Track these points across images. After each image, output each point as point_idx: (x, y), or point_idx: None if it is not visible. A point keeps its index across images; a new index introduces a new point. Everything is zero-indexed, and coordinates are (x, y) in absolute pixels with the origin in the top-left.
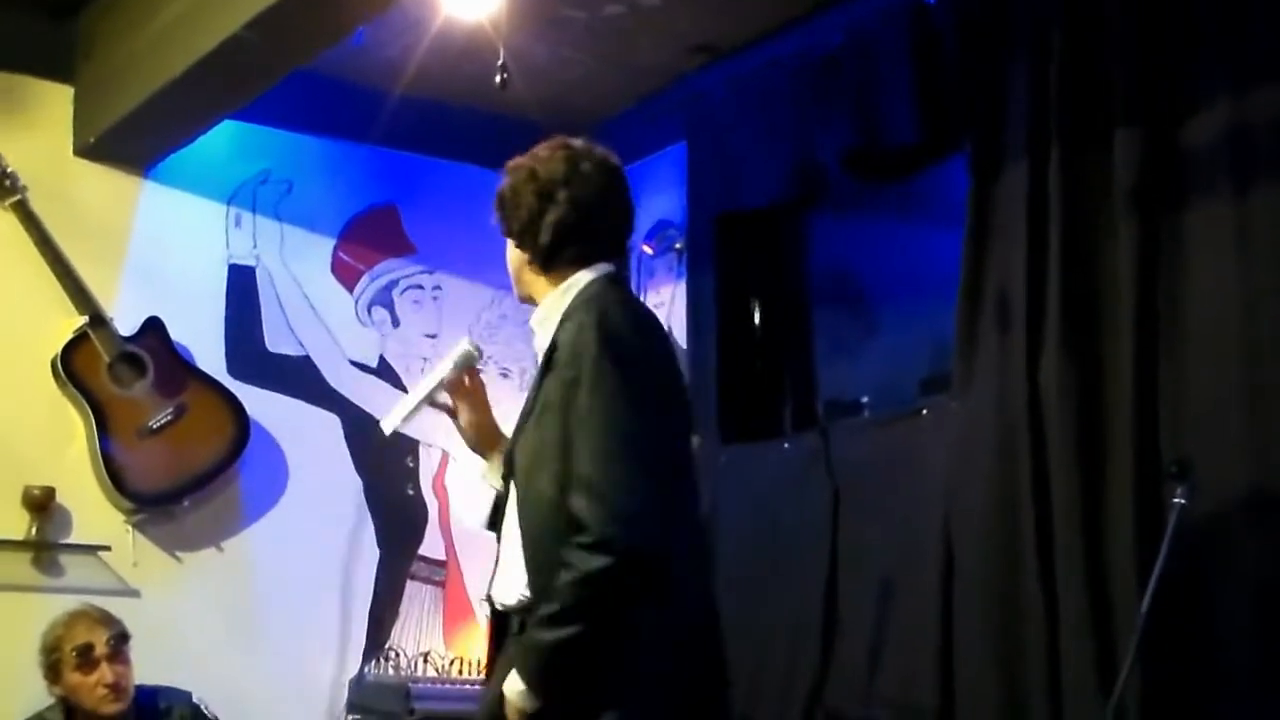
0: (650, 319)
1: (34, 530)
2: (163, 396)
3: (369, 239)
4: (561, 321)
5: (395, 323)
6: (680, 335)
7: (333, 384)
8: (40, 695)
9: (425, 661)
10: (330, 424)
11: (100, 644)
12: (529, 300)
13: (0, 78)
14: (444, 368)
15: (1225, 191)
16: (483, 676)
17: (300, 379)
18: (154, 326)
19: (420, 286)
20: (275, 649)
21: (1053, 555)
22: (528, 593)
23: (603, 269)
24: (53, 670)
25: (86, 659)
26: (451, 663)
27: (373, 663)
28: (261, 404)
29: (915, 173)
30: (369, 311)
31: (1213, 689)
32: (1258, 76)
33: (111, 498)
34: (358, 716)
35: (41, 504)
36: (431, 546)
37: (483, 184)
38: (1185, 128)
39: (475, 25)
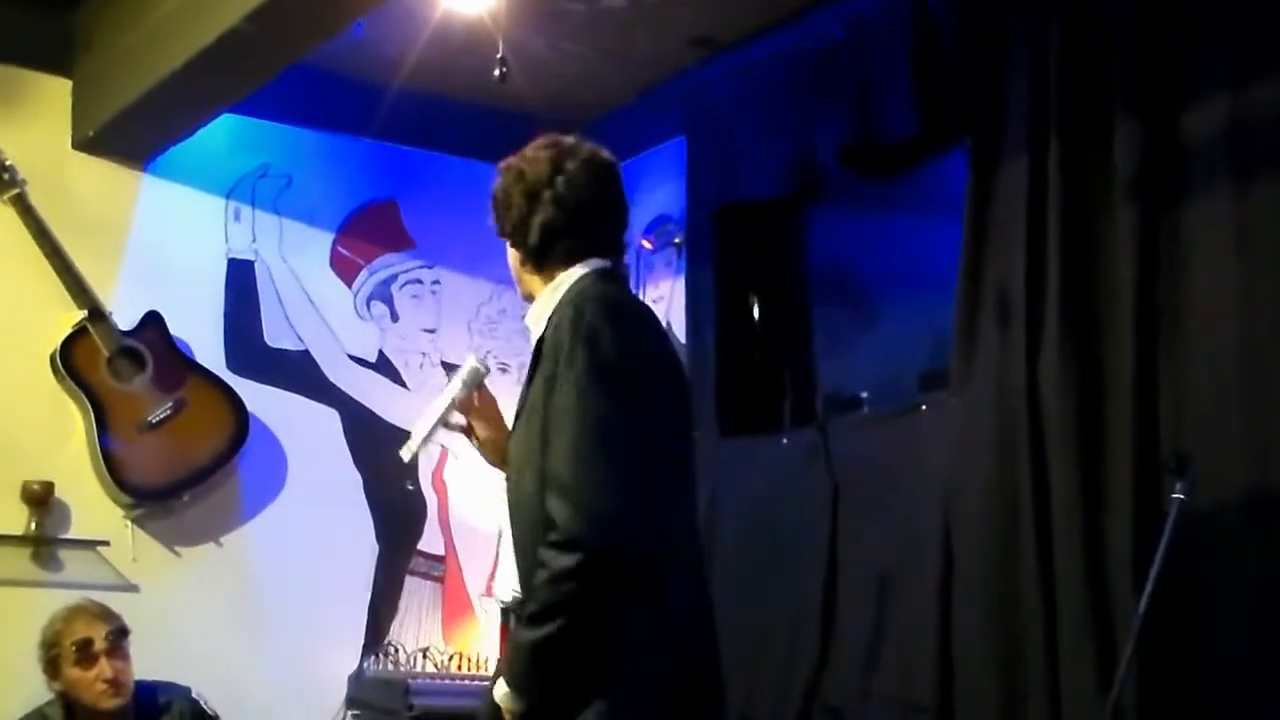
0: (637, 314)
1: (33, 525)
2: (162, 391)
3: (368, 233)
4: (550, 318)
5: (394, 317)
6: (679, 330)
7: (332, 379)
8: (40, 690)
9: (424, 657)
10: (329, 419)
11: (100, 639)
12: (530, 298)
13: None
14: (453, 388)
15: (1225, 187)
16: (483, 672)
17: (299, 374)
18: (153, 321)
19: (419, 281)
20: (274, 644)
21: (1052, 551)
22: (519, 591)
23: (595, 265)
24: (52, 665)
25: (86, 654)
26: (450, 658)
27: (372, 658)
28: (260, 399)
29: (913, 168)
30: (368, 306)
31: (1212, 685)
32: (1258, 72)
33: (111, 493)
34: (357, 712)
35: (41, 499)
36: (430, 542)
37: (482, 178)
38: (1186, 122)
39: (474, 18)
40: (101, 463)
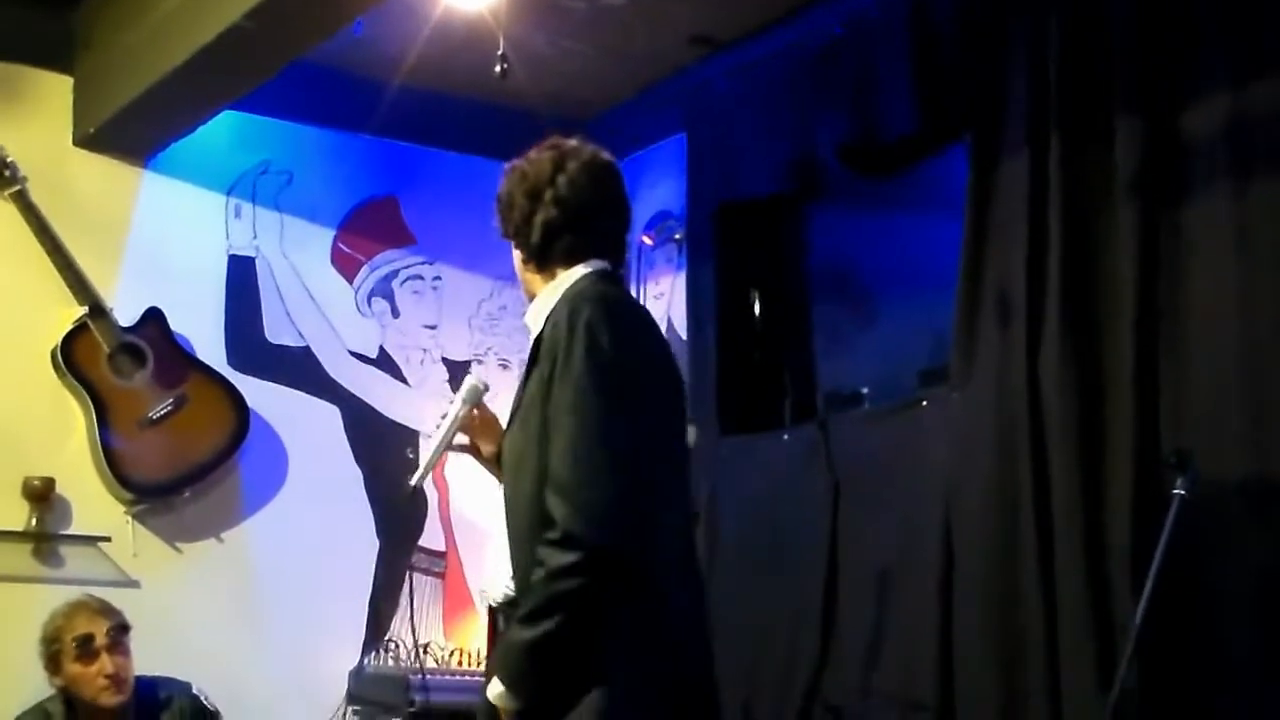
0: (635, 314)
1: (34, 521)
2: (163, 387)
3: (369, 230)
4: (549, 318)
5: (395, 313)
6: (679, 326)
7: (333, 375)
8: (41, 686)
9: (425, 653)
10: (330, 415)
11: (100, 635)
12: (532, 298)
13: (0, 68)
14: (455, 409)
15: (1225, 186)
16: (482, 668)
17: (300, 370)
18: (154, 317)
19: (420, 277)
20: (275, 640)
21: (1052, 548)
22: (512, 590)
23: (594, 265)
24: (53, 661)
25: (87, 650)
26: (451, 654)
27: (372, 654)
28: (261, 395)
29: (913, 166)
30: (369, 302)
31: (1212, 682)
32: (1258, 71)
33: (111, 488)
34: (357, 708)
35: (42, 495)
36: (431, 538)
37: (483, 174)
38: (1186, 121)
39: (475, 15)
40: (102, 459)
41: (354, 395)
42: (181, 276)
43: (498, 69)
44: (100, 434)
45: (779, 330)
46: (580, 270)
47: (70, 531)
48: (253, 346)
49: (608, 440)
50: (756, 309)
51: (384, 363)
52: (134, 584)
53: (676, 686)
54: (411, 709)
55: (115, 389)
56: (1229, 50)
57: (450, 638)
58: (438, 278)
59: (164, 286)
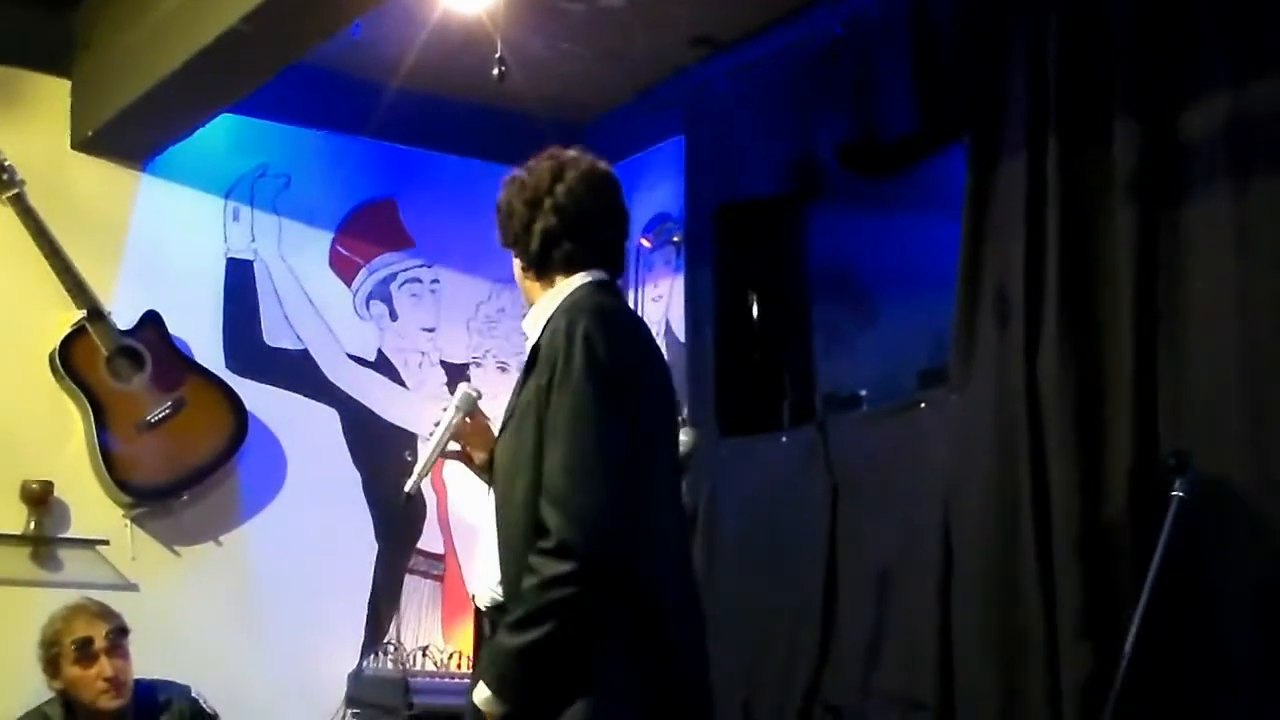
0: (630, 325)
1: (32, 525)
2: (161, 390)
3: (367, 232)
4: (546, 326)
5: (393, 316)
6: (678, 328)
7: (331, 378)
8: (39, 689)
9: (424, 655)
10: (329, 418)
11: (100, 638)
12: (532, 305)
13: None
14: (448, 417)
15: (1225, 186)
16: None
17: (298, 373)
18: (152, 320)
19: (418, 280)
20: (274, 643)
21: (1051, 548)
22: (500, 594)
23: (593, 275)
24: (52, 664)
25: (86, 653)
26: (450, 656)
27: (371, 657)
28: (260, 398)
29: (913, 166)
30: (367, 305)
31: (1212, 682)
32: (1258, 71)
33: (110, 492)
34: (356, 710)
35: (40, 498)
36: (430, 540)
37: (481, 177)
38: (1185, 121)
39: (473, 18)
40: (101, 462)
41: (352, 398)
42: (180, 280)
43: (495, 72)
44: (98, 437)
45: (778, 331)
46: (579, 279)
47: (68, 535)
48: (251, 350)
49: (604, 451)
50: (755, 310)
51: (382, 366)
52: (132, 587)
53: (666, 696)
54: (411, 711)
55: (113, 392)
56: (1228, 50)
57: (449, 640)
58: (436, 281)
59: (162, 290)
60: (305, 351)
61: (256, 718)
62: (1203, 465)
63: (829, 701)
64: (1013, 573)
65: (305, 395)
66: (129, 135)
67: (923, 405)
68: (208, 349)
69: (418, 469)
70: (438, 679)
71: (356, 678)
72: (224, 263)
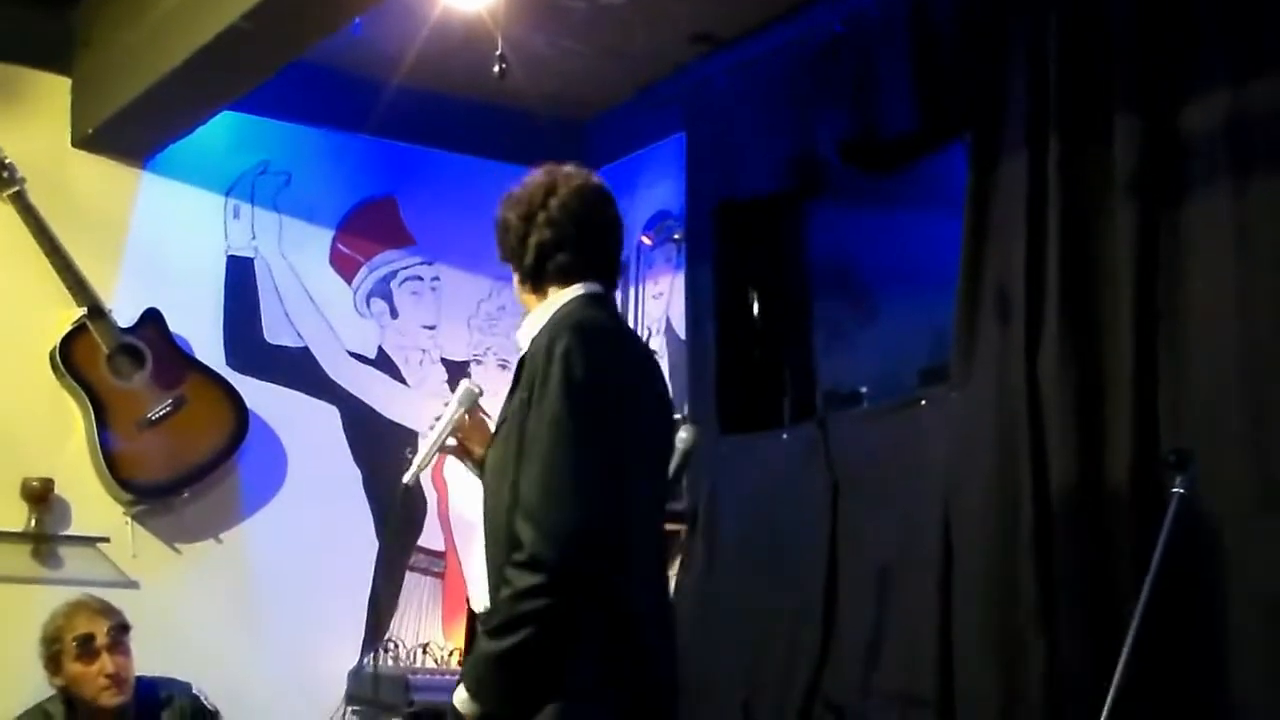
0: (614, 339)
1: (33, 522)
2: (161, 388)
3: (367, 230)
4: (536, 339)
5: (394, 314)
6: (679, 326)
7: (331, 375)
8: (40, 687)
9: (424, 652)
10: (329, 415)
11: (101, 634)
12: None
13: None
14: (449, 412)
15: (1225, 184)
16: None
17: (299, 370)
18: (152, 318)
19: (419, 278)
20: (275, 640)
21: (1052, 546)
22: (489, 600)
23: (587, 287)
24: (53, 661)
25: (87, 649)
26: (450, 654)
27: (372, 654)
28: (260, 395)
29: (913, 162)
30: (367, 303)
31: (1212, 680)
32: (1258, 70)
33: (110, 489)
34: (357, 707)
35: (40, 496)
36: (431, 538)
37: (481, 175)
38: (1185, 120)
39: (473, 15)
40: (101, 460)
41: (353, 395)
42: (180, 277)
43: (496, 69)
44: (99, 435)
45: (778, 329)
46: (572, 291)
47: (69, 532)
48: (251, 347)
49: (577, 468)
50: (756, 307)
51: (383, 363)
52: (133, 585)
53: (640, 699)
54: (411, 709)
55: (114, 390)
56: (1229, 50)
57: (449, 637)
58: (436, 278)
59: (163, 287)
60: (306, 349)
61: (257, 715)
62: (1203, 464)
63: (829, 700)
64: (1013, 571)
65: (306, 393)
66: (129, 133)
67: (923, 403)
68: (208, 346)
69: (417, 460)
70: (438, 676)
71: (357, 675)
72: (224, 260)
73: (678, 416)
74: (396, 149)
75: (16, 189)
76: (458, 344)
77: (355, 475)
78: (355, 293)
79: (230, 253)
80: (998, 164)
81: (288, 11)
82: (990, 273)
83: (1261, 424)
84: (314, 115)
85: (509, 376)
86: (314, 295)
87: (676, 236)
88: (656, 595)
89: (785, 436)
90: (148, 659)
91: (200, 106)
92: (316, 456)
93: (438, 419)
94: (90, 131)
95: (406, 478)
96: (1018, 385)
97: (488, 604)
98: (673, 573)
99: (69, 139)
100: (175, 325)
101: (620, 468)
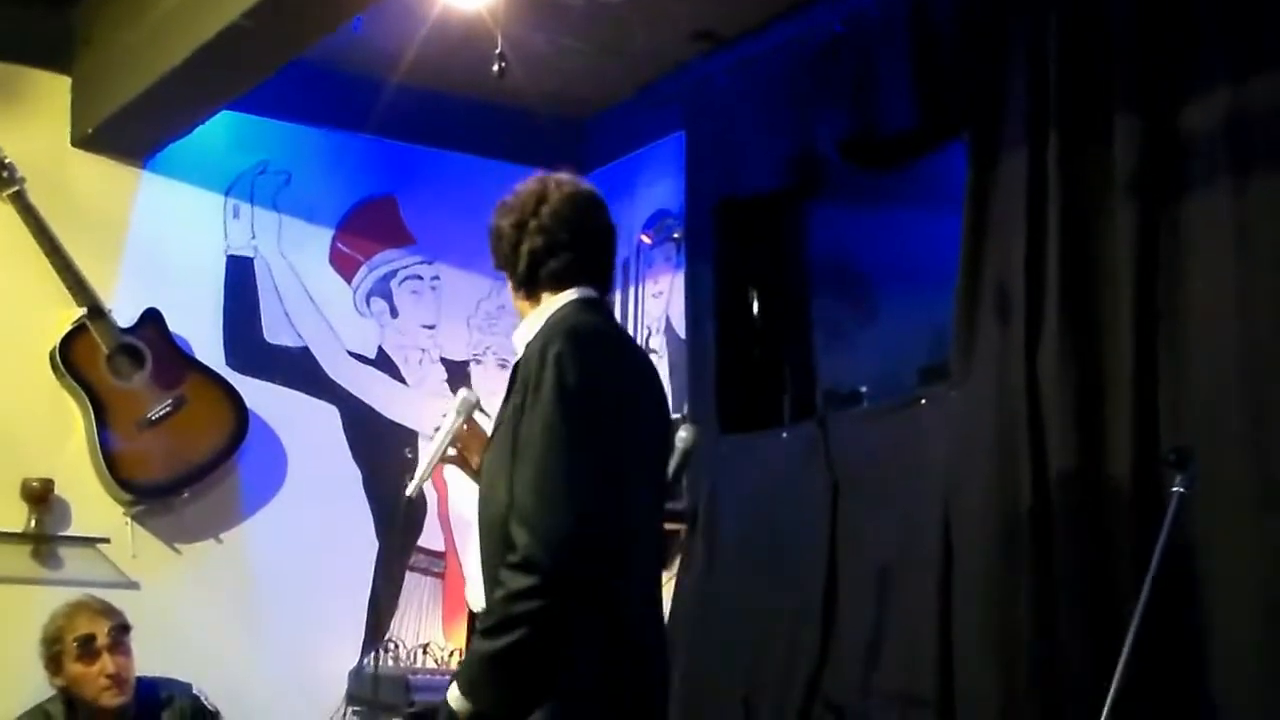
0: (607, 344)
1: (33, 522)
2: (161, 388)
3: (367, 229)
4: (530, 343)
5: (394, 313)
6: (679, 324)
7: (331, 375)
8: (40, 688)
9: (424, 653)
10: (329, 415)
11: (102, 635)
12: None
13: None
14: (449, 421)
15: (1225, 183)
16: None
17: (299, 370)
18: (152, 318)
19: (419, 277)
20: (275, 640)
21: (1052, 545)
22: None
23: (580, 292)
24: (54, 661)
25: (88, 650)
26: (450, 654)
27: (372, 654)
28: (260, 395)
29: (913, 160)
30: (367, 302)
31: (1212, 680)
32: (1257, 69)
33: (110, 490)
34: (357, 708)
35: (40, 496)
36: (431, 538)
37: (481, 174)
38: (1185, 118)
39: (473, 14)
40: (101, 460)
41: (353, 395)
42: (180, 277)
43: (496, 68)
44: (99, 435)
45: (778, 327)
46: (566, 296)
47: (69, 533)
48: (251, 347)
49: (570, 472)
50: (755, 306)
51: (383, 363)
52: (133, 585)
53: (637, 699)
54: (411, 709)
55: (114, 390)
56: (1228, 49)
57: (449, 638)
58: (436, 277)
59: (162, 287)
60: (306, 349)
61: (257, 715)
62: (1203, 463)
63: (829, 699)
64: (1013, 570)
65: (306, 392)
66: (129, 132)
67: (923, 402)
68: (208, 346)
69: (418, 473)
70: (438, 676)
71: (357, 675)
72: (224, 260)
73: (677, 416)
74: (396, 148)
75: (16, 188)
76: (457, 343)
77: (355, 475)
78: (355, 292)
79: (230, 252)
80: (997, 162)
81: (287, 10)
82: (990, 271)
83: (1261, 424)
84: (314, 114)
85: (508, 376)
86: (314, 295)
87: (676, 235)
88: (651, 598)
89: (785, 436)
90: (148, 659)
91: (200, 106)
92: (316, 456)
93: (436, 429)
94: (90, 131)
95: (409, 490)
96: (1017, 384)
97: (480, 605)
98: (673, 572)
99: (69, 138)
100: (175, 325)
101: (616, 471)
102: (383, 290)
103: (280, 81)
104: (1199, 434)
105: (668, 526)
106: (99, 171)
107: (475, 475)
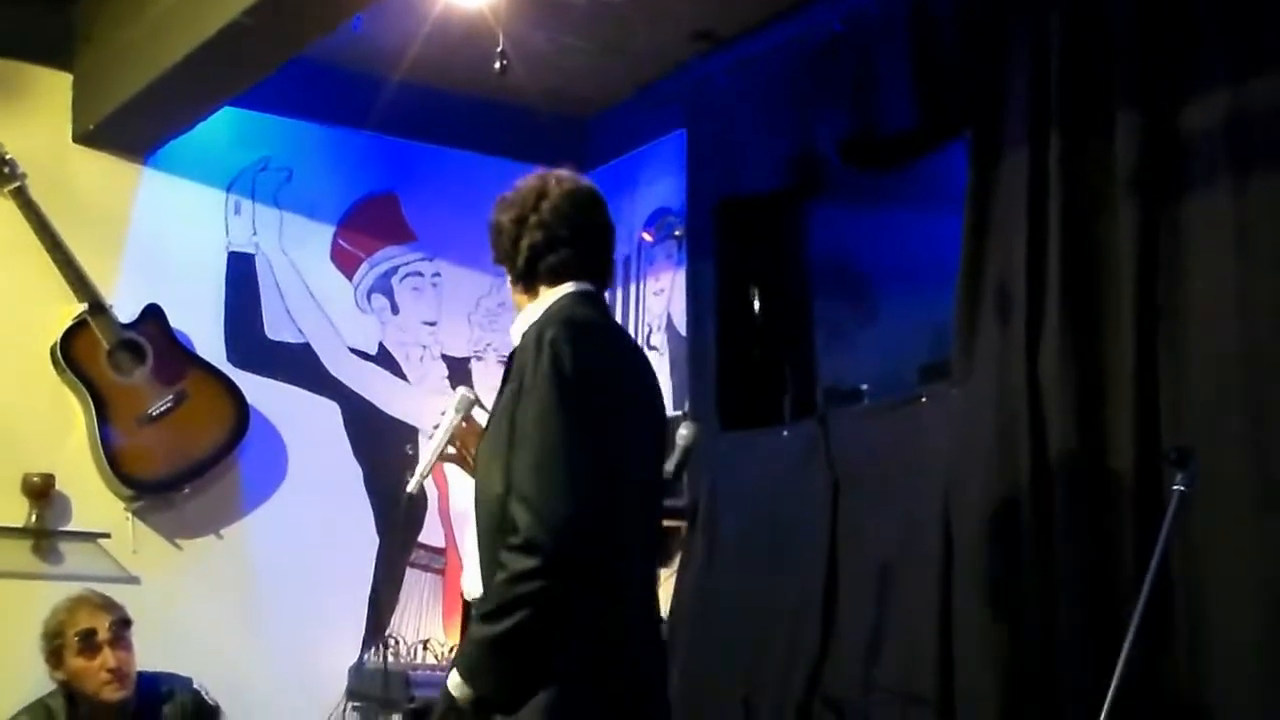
0: (602, 335)
1: (34, 517)
2: (162, 384)
3: (368, 226)
4: (527, 331)
5: (395, 310)
6: (679, 323)
7: (332, 371)
8: (40, 682)
9: (424, 649)
10: (330, 411)
11: (103, 629)
12: None
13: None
14: (448, 420)
15: (1225, 183)
16: None
17: (300, 366)
18: (153, 314)
19: (420, 274)
20: (275, 636)
21: (1052, 543)
22: (480, 587)
23: (578, 286)
24: (55, 655)
25: (89, 644)
26: (451, 650)
27: (372, 650)
28: (261, 391)
29: (913, 160)
30: (368, 299)
31: (1211, 679)
32: (1258, 69)
33: (111, 485)
34: (358, 703)
35: (41, 491)
36: (431, 534)
37: (482, 171)
38: (1186, 118)
39: (474, 12)
40: (102, 455)
41: (354, 392)
42: (181, 273)
43: (497, 66)
44: (100, 430)
45: (779, 326)
46: (563, 290)
47: (70, 528)
48: (252, 343)
49: (569, 454)
50: (756, 305)
51: (383, 359)
52: (134, 580)
53: (626, 680)
54: (412, 705)
55: (115, 386)
56: (1229, 48)
57: (450, 634)
58: (437, 274)
59: (163, 283)
60: (307, 345)
61: (258, 710)
62: (1203, 464)
63: (829, 697)
64: (1014, 568)
65: (306, 389)
66: (130, 129)
67: (924, 400)
68: (209, 342)
69: (418, 471)
70: (439, 672)
71: (357, 671)
72: (225, 256)
73: (679, 413)
74: (397, 145)
75: (17, 184)
76: (458, 340)
77: (356, 471)
78: (356, 289)
79: (231, 248)
80: (998, 161)
81: (289, 8)
82: (991, 270)
83: (1261, 424)
84: (315, 111)
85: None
86: (315, 291)
87: (678, 233)
88: (646, 584)
89: (786, 433)
90: (148, 654)
91: (201, 102)
92: (317, 452)
93: (436, 427)
94: (91, 127)
95: (410, 487)
96: (1018, 383)
97: (479, 592)
98: (673, 570)
99: (70, 134)
100: (176, 321)
101: (608, 456)
102: (384, 287)
103: (282, 78)
104: (1199, 433)
105: (668, 523)
106: (100, 167)
107: (474, 473)
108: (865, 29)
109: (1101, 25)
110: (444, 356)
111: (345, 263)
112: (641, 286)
